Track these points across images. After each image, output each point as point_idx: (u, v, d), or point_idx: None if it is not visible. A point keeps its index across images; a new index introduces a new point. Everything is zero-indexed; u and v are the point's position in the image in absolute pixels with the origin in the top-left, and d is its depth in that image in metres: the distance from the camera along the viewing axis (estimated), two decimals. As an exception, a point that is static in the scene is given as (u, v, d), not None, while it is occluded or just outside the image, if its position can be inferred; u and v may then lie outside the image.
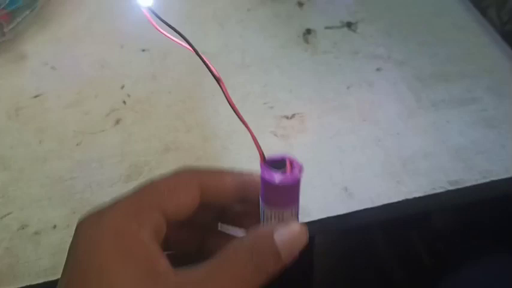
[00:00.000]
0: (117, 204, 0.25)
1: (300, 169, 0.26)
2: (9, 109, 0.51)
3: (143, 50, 0.56)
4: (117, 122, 0.49)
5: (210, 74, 0.29)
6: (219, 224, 0.31)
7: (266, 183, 0.26)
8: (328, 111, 0.49)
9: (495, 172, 0.43)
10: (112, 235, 0.24)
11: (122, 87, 0.52)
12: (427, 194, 0.42)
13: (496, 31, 0.55)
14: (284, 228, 0.26)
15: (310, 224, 0.39)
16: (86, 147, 0.47)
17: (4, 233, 0.41)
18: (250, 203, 0.29)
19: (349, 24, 0.56)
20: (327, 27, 0.57)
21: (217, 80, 0.27)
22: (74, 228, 0.25)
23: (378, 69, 0.52)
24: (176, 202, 0.26)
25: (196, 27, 0.58)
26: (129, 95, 0.52)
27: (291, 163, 0.26)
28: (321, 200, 0.42)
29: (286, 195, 0.27)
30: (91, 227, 0.25)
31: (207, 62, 0.27)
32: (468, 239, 0.54)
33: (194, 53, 0.27)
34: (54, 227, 0.42)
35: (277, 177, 0.26)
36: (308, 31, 0.56)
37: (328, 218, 0.41)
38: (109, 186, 0.44)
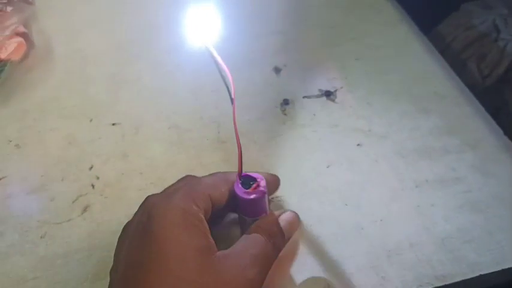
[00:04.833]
0: (179, 191, 0.34)
1: (264, 189, 0.37)
2: (-32, 196, 0.48)
3: (113, 124, 0.53)
4: (85, 209, 0.46)
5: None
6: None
7: (238, 197, 0.36)
8: (307, 194, 0.46)
9: (484, 264, 0.41)
10: (181, 213, 0.32)
11: (91, 168, 0.49)
12: (413, 291, 0.40)
13: (477, 94, 0.54)
14: (284, 215, 0.39)
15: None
16: (50, 241, 0.44)
17: None
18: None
19: (328, 93, 0.55)
20: (305, 97, 0.55)
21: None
22: None
23: (358, 145, 0.50)
24: (219, 192, 0.36)
25: (170, 96, 0.56)
26: (98, 177, 0.49)
27: (258, 184, 0.37)
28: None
29: (253, 207, 0.37)
30: (163, 207, 0.33)
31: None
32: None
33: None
34: None
35: (243, 193, 0.36)
36: (286, 101, 0.54)
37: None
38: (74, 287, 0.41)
